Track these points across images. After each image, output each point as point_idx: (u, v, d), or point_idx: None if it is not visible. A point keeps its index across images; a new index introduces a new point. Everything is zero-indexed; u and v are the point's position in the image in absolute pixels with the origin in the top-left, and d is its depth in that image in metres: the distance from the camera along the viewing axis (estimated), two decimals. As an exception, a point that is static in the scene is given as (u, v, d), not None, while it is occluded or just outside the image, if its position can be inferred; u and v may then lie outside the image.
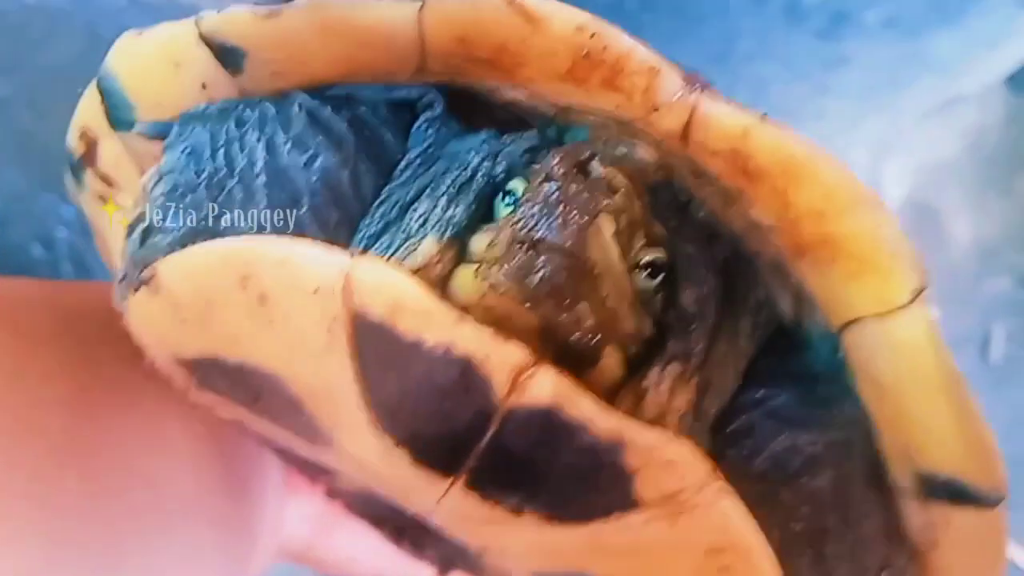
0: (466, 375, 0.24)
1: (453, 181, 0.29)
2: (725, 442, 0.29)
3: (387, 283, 0.24)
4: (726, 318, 0.30)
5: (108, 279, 0.35)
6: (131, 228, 0.31)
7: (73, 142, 0.33)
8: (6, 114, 0.79)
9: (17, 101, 0.78)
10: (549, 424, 0.24)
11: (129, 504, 0.36)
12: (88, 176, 0.34)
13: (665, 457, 0.24)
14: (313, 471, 0.41)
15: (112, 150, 0.32)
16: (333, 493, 0.44)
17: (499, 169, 0.29)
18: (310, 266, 0.25)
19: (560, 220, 0.24)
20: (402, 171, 0.30)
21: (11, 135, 0.80)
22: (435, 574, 0.55)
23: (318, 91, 0.30)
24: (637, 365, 0.28)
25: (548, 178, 0.25)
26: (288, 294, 0.26)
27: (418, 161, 0.30)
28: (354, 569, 0.56)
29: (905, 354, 0.26)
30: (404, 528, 0.42)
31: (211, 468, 0.41)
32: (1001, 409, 1.48)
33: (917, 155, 1.68)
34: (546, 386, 0.23)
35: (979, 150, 1.71)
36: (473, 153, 0.29)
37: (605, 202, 0.25)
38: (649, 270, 0.27)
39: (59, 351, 0.37)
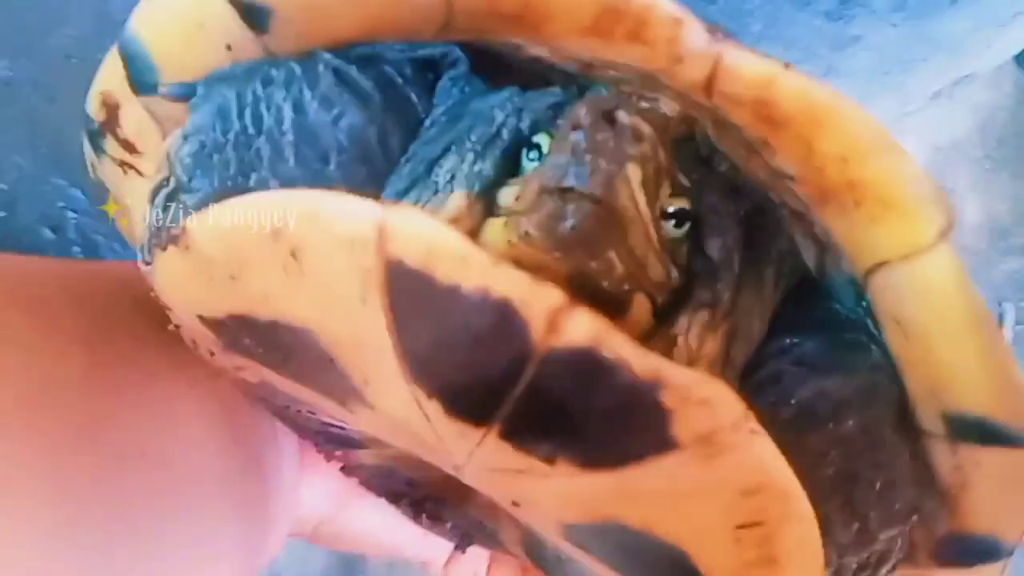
0: (503, 318, 0.24)
1: (479, 137, 0.29)
2: (753, 390, 0.29)
3: (423, 230, 0.24)
4: (750, 268, 0.30)
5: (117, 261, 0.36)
6: (155, 192, 0.31)
7: (93, 109, 0.33)
8: (14, 97, 0.79)
9: (25, 84, 0.78)
10: (586, 364, 0.24)
11: (143, 481, 0.36)
12: (109, 143, 0.35)
13: (701, 395, 0.24)
14: (330, 447, 0.41)
15: (135, 115, 0.33)
16: (349, 470, 0.45)
17: (524, 124, 0.29)
18: (343, 217, 0.25)
19: (588, 168, 0.25)
20: (428, 128, 0.31)
21: (20, 118, 0.80)
22: (453, 548, 0.56)
23: (343, 50, 0.30)
24: (665, 314, 0.28)
25: (575, 127, 0.25)
26: (321, 246, 0.26)
27: (443, 118, 0.31)
28: (370, 544, 0.56)
29: (932, 295, 0.26)
30: (422, 503, 0.42)
31: (226, 446, 0.41)
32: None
33: (927, 135, 1.68)
34: (584, 326, 0.23)
35: (990, 130, 1.71)
36: (497, 109, 0.29)
37: (632, 150, 0.25)
38: (675, 219, 0.27)
39: (73, 329, 0.37)
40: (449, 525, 0.44)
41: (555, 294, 0.23)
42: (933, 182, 0.25)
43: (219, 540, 0.40)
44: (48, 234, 0.83)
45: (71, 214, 0.82)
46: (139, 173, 0.35)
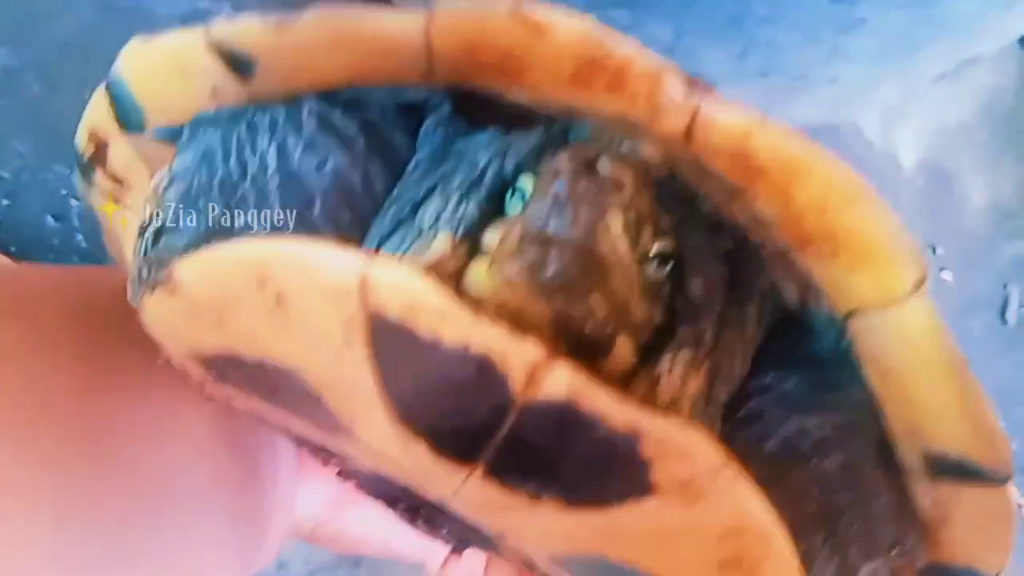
0: (483, 372, 0.24)
1: (463, 179, 0.29)
2: (736, 427, 0.30)
3: (403, 283, 0.25)
4: (732, 306, 0.30)
5: (113, 267, 0.36)
6: (142, 229, 0.31)
7: (82, 142, 0.34)
8: (16, 86, 0.80)
9: (27, 73, 0.79)
10: (565, 417, 0.25)
11: (140, 490, 0.37)
12: (98, 175, 0.35)
13: (679, 445, 0.25)
14: (326, 453, 0.42)
15: (122, 152, 0.33)
16: (346, 474, 0.45)
17: (508, 166, 0.29)
18: (326, 267, 0.25)
19: (570, 216, 0.25)
20: (412, 171, 0.31)
21: (22, 107, 0.80)
22: (449, 552, 0.56)
23: (328, 94, 0.30)
24: (648, 352, 0.28)
25: (557, 176, 0.26)
26: (305, 294, 0.26)
27: (427, 161, 0.31)
28: (367, 548, 0.56)
29: (909, 343, 0.27)
30: (418, 507, 0.43)
31: (223, 452, 0.42)
32: (1019, 372, 1.48)
33: (932, 118, 1.67)
34: (562, 381, 0.24)
35: (994, 112, 1.71)
36: (481, 151, 0.30)
37: (613, 198, 0.26)
38: (657, 261, 0.28)
39: (71, 339, 0.37)
40: (445, 530, 0.44)
41: (533, 349, 0.24)
42: (907, 234, 0.26)
43: (215, 546, 0.41)
44: (51, 221, 0.84)
45: (74, 201, 0.83)
46: (127, 205, 0.36)
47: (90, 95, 0.33)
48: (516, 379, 0.24)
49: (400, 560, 0.60)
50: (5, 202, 0.82)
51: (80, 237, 0.90)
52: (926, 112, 1.67)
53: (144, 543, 0.36)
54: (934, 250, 1.63)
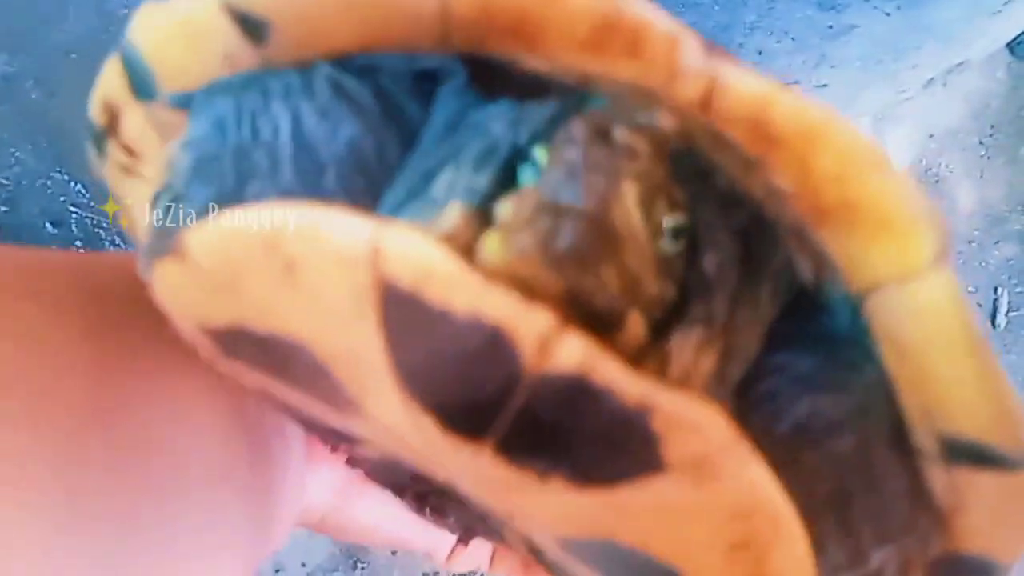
0: (494, 342, 0.24)
1: (476, 150, 0.29)
2: (748, 406, 0.29)
3: (415, 251, 0.24)
4: (747, 283, 0.30)
5: (125, 251, 0.36)
6: (156, 199, 0.31)
7: (96, 113, 0.33)
8: (15, 92, 0.80)
9: (26, 80, 0.79)
10: (576, 389, 0.24)
11: (150, 471, 0.36)
12: (111, 147, 0.35)
13: (691, 420, 0.24)
14: (335, 439, 0.41)
15: (135, 121, 0.33)
16: (354, 461, 0.45)
17: (521, 137, 0.29)
18: (337, 234, 0.25)
19: (583, 186, 0.25)
20: (426, 140, 0.31)
21: (21, 113, 0.80)
22: (456, 542, 0.56)
23: (342, 61, 0.30)
24: (660, 329, 0.28)
25: (570, 143, 0.26)
26: (316, 263, 0.26)
27: (441, 130, 0.31)
28: (375, 536, 0.57)
29: (928, 318, 0.26)
30: (426, 495, 0.43)
31: (233, 437, 0.42)
32: (1009, 373, 1.49)
33: (921, 123, 1.68)
34: (574, 352, 0.24)
35: (983, 117, 1.72)
36: (495, 122, 0.29)
37: (627, 167, 0.26)
38: (671, 235, 0.27)
39: (82, 320, 0.37)
40: (452, 519, 0.44)
41: (545, 319, 0.24)
42: (928, 201, 0.26)
43: (225, 529, 0.41)
44: (50, 229, 0.84)
45: (72, 209, 0.83)
46: (140, 176, 0.35)
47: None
48: (527, 350, 0.24)
49: (407, 550, 0.60)
50: (3, 209, 0.82)
51: (79, 244, 0.90)
52: (916, 117, 1.68)
53: (156, 523, 0.36)
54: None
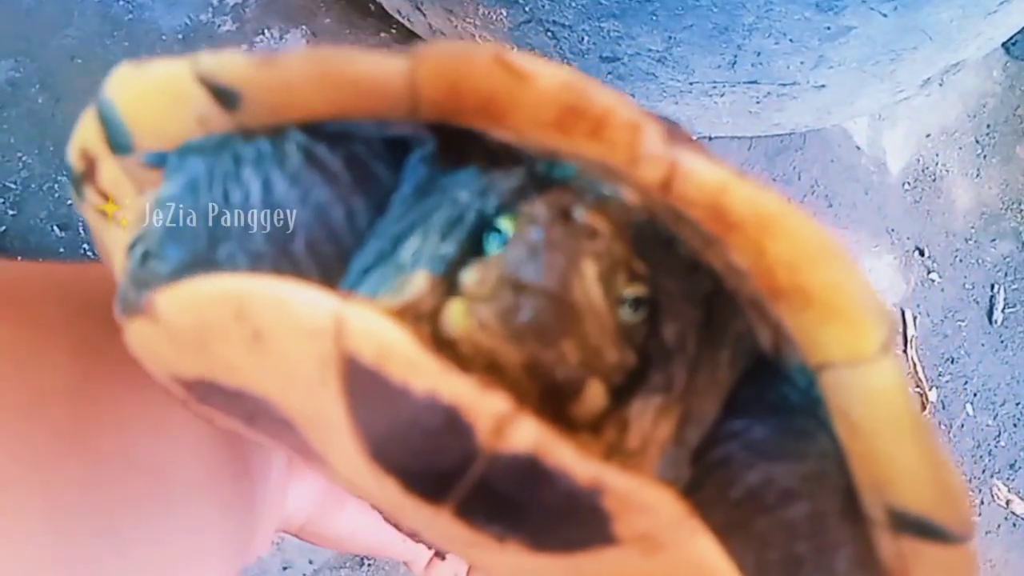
0: (451, 421, 0.25)
1: (444, 217, 0.30)
2: (704, 471, 0.30)
3: (376, 329, 0.25)
4: (707, 349, 0.31)
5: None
6: (131, 248, 0.32)
7: (73, 159, 0.34)
8: (22, 97, 0.80)
9: (32, 84, 0.79)
10: (530, 468, 0.25)
11: (130, 486, 0.37)
12: (89, 191, 0.35)
13: (640, 501, 0.25)
14: (314, 460, 0.42)
15: (111, 171, 0.33)
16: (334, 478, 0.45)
17: (489, 205, 0.30)
18: (303, 307, 0.26)
19: (543, 264, 0.26)
20: (395, 206, 0.31)
21: (27, 117, 0.81)
22: (433, 554, 0.57)
23: (314, 126, 0.30)
24: (621, 394, 0.29)
25: (532, 222, 0.26)
26: (282, 332, 0.27)
27: (411, 196, 0.31)
28: (355, 545, 0.58)
29: (875, 401, 0.27)
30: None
31: (212, 449, 0.42)
32: (1006, 370, 1.50)
33: (918, 123, 1.68)
34: (527, 435, 0.25)
35: (980, 116, 1.72)
36: (463, 190, 0.30)
37: (587, 246, 0.27)
38: (632, 305, 0.28)
39: (63, 338, 0.37)
40: (425, 542, 0.45)
41: (500, 403, 0.24)
42: (875, 294, 0.26)
43: (206, 540, 0.41)
44: (57, 232, 0.84)
45: (79, 212, 0.83)
46: (117, 222, 0.36)
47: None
48: (483, 430, 0.25)
49: (386, 558, 0.61)
50: (11, 212, 0.82)
51: (86, 247, 0.91)
52: (913, 117, 1.69)
53: (134, 538, 0.36)
54: (922, 252, 1.64)
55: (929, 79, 1.42)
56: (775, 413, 0.31)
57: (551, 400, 0.27)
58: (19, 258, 0.80)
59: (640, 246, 0.29)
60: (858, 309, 0.26)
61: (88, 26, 0.73)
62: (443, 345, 0.27)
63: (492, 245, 0.29)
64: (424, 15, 1.46)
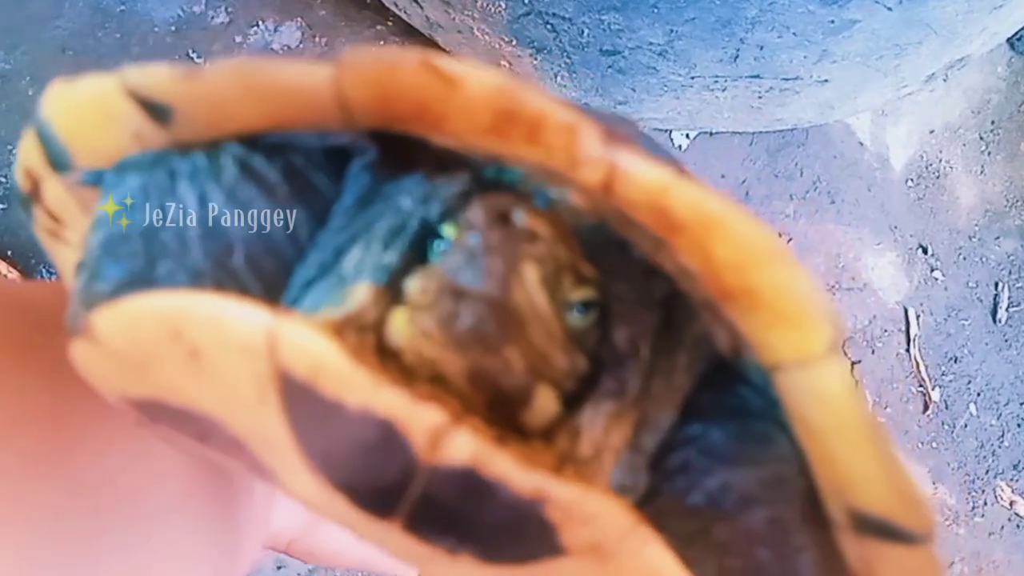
0: (387, 435, 0.25)
1: (386, 226, 0.29)
2: (662, 478, 0.30)
3: (307, 345, 0.25)
4: (662, 353, 0.30)
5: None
6: (78, 267, 0.31)
7: (20, 179, 0.34)
8: (11, 90, 0.80)
9: (22, 77, 0.79)
10: (470, 481, 0.25)
11: (108, 514, 0.36)
12: (37, 211, 0.35)
13: (584, 511, 0.25)
14: (269, 479, 0.42)
15: (55, 191, 0.33)
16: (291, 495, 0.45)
17: (433, 212, 0.29)
18: (235, 324, 0.26)
19: (482, 269, 0.26)
20: (336, 216, 0.31)
21: (17, 110, 0.81)
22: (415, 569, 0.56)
23: (252, 138, 0.30)
24: (574, 400, 0.28)
25: (470, 228, 0.26)
26: (218, 350, 0.26)
27: (353, 206, 0.31)
28: (344, 561, 0.57)
29: (826, 402, 0.27)
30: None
31: (194, 472, 0.41)
32: (1010, 369, 1.49)
33: (922, 118, 1.68)
34: (464, 447, 0.24)
35: (984, 112, 1.72)
36: (405, 197, 0.30)
37: (527, 250, 0.26)
38: (580, 309, 0.28)
39: (38, 362, 0.37)
40: None
41: (435, 414, 0.24)
42: (822, 294, 0.26)
43: (187, 565, 0.40)
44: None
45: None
46: (66, 242, 0.35)
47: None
48: (418, 444, 0.24)
49: (373, 574, 0.61)
50: (2, 206, 0.82)
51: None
52: (916, 112, 1.68)
53: (115, 561, 0.36)
54: (925, 250, 1.64)
55: (933, 74, 1.42)
56: (734, 417, 0.30)
57: (501, 409, 0.26)
58: (9, 252, 0.79)
59: (590, 250, 0.28)
60: (804, 309, 0.26)
61: (79, 18, 0.73)
62: (388, 356, 0.26)
63: (436, 252, 0.28)
64: (421, 8, 1.46)
